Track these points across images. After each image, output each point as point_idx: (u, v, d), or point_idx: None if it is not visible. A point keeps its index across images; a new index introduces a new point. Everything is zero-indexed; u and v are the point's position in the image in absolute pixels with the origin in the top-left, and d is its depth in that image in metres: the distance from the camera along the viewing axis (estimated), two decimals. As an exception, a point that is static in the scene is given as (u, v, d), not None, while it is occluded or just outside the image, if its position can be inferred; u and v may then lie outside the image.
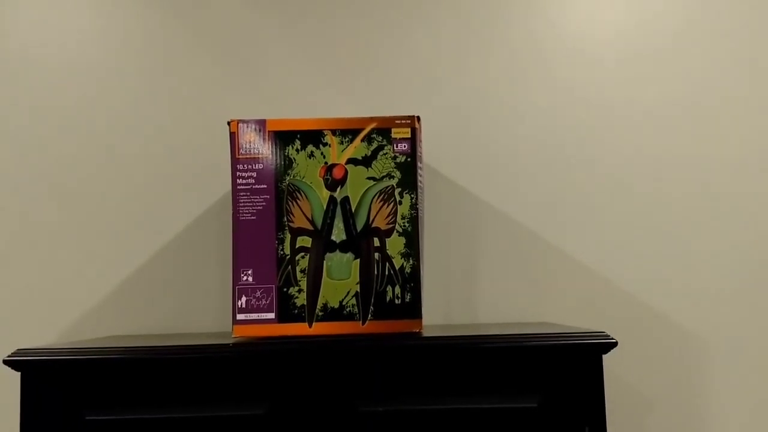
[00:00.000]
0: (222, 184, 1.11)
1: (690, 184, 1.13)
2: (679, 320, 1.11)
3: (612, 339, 0.80)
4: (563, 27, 1.16)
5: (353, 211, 0.88)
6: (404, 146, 0.89)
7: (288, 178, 0.88)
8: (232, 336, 0.86)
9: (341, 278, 0.87)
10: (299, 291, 0.86)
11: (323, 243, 0.87)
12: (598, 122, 1.14)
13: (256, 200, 0.87)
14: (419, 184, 0.90)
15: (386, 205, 0.88)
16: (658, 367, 1.10)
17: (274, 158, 0.88)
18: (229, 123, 0.89)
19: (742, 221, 1.12)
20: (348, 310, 0.86)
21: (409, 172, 0.88)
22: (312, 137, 0.88)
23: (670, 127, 1.14)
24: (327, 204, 0.88)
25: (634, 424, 1.09)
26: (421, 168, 0.92)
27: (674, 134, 1.14)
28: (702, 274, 1.11)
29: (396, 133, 0.89)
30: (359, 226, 0.88)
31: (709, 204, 1.13)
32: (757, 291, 1.11)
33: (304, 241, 0.87)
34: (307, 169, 0.88)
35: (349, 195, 0.88)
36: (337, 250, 0.87)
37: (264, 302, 0.86)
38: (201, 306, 1.11)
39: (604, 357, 0.82)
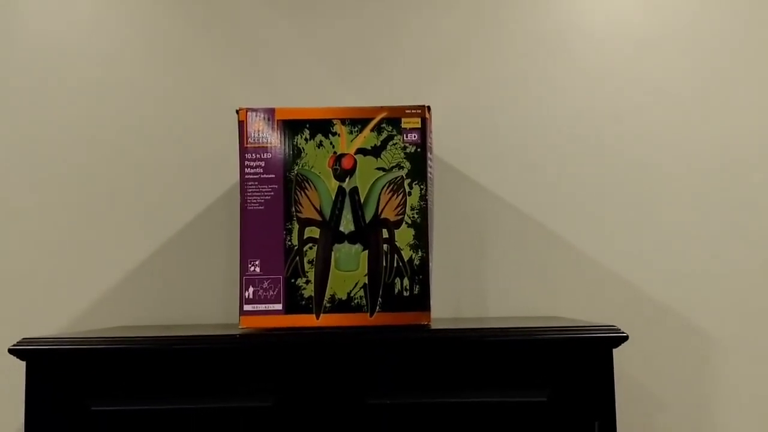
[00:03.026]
0: (230, 174, 1.10)
1: (703, 179, 1.12)
2: (691, 316, 1.10)
3: (623, 333, 0.79)
4: (578, 18, 1.14)
5: (362, 201, 0.87)
6: (414, 136, 0.88)
7: (296, 167, 0.87)
8: (239, 327, 0.85)
9: (349, 270, 0.86)
10: (307, 282, 0.85)
11: (331, 234, 0.86)
12: (610, 116, 1.13)
13: (264, 190, 0.86)
14: (429, 175, 0.89)
15: (395, 196, 0.87)
16: (669, 363, 1.09)
17: (283, 147, 0.87)
18: (237, 111, 0.88)
19: (756, 217, 1.11)
20: (356, 301, 0.85)
21: (418, 162, 0.87)
22: (321, 126, 0.87)
23: (683, 120, 1.13)
24: (336, 194, 0.87)
25: (645, 421, 1.08)
26: (431, 159, 0.91)
27: (687, 128, 1.12)
28: (714, 270, 1.10)
29: (406, 123, 0.88)
30: (368, 217, 0.87)
31: (722, 200, 1.11)
32: None
33: (313, 231, 0.86)
34: (316, 158, 0.87)
35: (358, 185, 0.87)
36: (346, 242, 0.86)
37: (271, 293, 0.85)
38: (209, 297, 1.10)
39: (615, 353, 0.81)
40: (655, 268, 1.11)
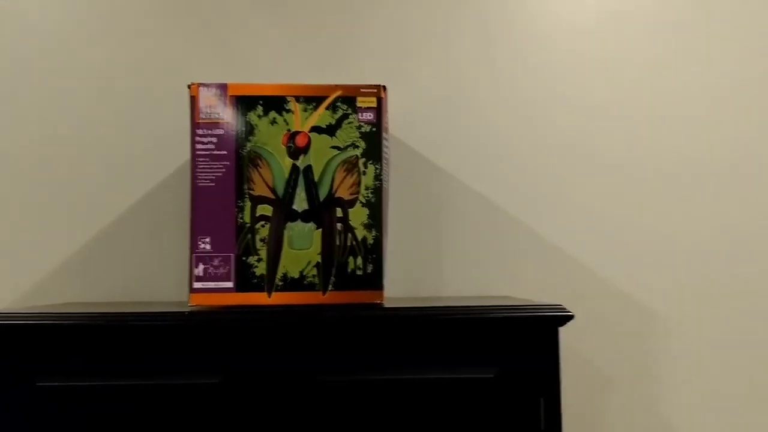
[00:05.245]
0: (183, 150, 1.08)
1: (657, 163, 1.14)
2: (638, 296, 1.13)
3: (568, 312, 0.81)
4: (541, 5, 1.14)
5: (316, 180, 0.87)
6: (369, 116, 0.87)
7: (249, 144, 0.86)
8: (189, 304, 0.85)
9: (302, 248, 0.86)
10: (259, 260, 0.85)
11: (284, 212, 0.86)
12: (567, 101, 1.14)
13: (215, 166, 0.85)
14: (384, 155, 0.89)
15: (350, 175, 0.87)
16: (619, 343, 1.12)
17: (236, 123, 0.86)
18: (189, 86, 0.87)
19: (704, 202, 1.14)
20: (308, 280, 0.85)
21: (374, 142, 0.87)
22: (275, 103, 0.86)
23: (640, 105, 1.14)
24: (289, 172, 0.86)
25: (592, 398, 1.11)
26: (386, 139, 0.91)
27: (643, 113, 1.14)
28: (660, 251, 1.13)
29: (361, 102, 0.87)
30: (322, 195, 0.87)
31: (673, 184, 1.14)
32: (715, 270, 1.13)
33: (265, 209, 0.86)
34: (270, 135, 0.86)
35: (312, 164, 0.87)
36: (299, 220, 0.86)
37: (222, 271, 0.85)
38: (160, 275, 1.09)
39: (565, 333, 0.82)
40: (609, 250, 1.13)
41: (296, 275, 0.85)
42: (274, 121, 0.86)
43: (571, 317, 0.81)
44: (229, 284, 0.85)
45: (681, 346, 1.12)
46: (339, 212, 0.86)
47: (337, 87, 0.88)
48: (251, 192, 0.86)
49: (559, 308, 0.82)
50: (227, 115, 0.86)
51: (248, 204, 0.86)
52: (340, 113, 0.87)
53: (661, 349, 1.12)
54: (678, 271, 1.13)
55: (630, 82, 1.15)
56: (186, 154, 1.07)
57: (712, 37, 1.15)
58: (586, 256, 1.13)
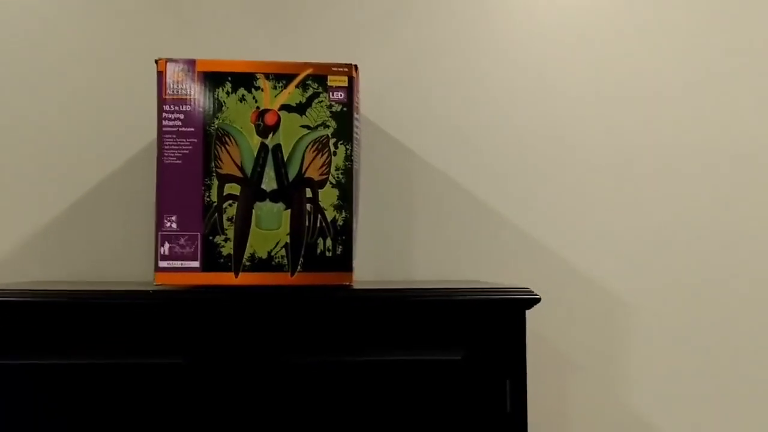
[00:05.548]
0: (150, 127, 1.05)
1: (622, 149, 1.14)
2: (607, 284, 1.14)
3: (535, 295, 0.81)
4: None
5: (285, 159, 0.85)
6: (340, 95, 0.86)
7: (217, 121, 0.84)
8: (154, 283, 0.83)
9: (271, 228, 0.85)
10: (226, 240, 0.84)
11: (253, 191, 0.85)
12: (538, 87, 1.14)
13: (182, 143, 0.84)
14: (355, 135, 0.88)
15: (320, 155, 0.86)
16: (585, 327, 1.13)
17: (204, 100, 0.84)
18: (156, 62, 0.85)
19: (669, 188, 1.15)
20: (277, 261, 0.84)
21: (344, 122, 0.86)
22: (244, 80, 0.85)
23: (607, 92, 1.14)
24: (258, 151, 0.85)
25: (557, 381, 1.12)
26: (357, 119, 0.89)
27: (611, 98, 1.15)
28: (627, 237, 1.14)
29: (332, 80, 0.86)
30: (291, 175, 0.85)
31: (639, 169, 1.14)
32: (679, 257, 1.14)
33: (233, 188, 0.84)
34: (238, 113, 0.85)
35: (281, 143, 0.85)
36: (268, 200, 0.85)
37: (188, 250, 0.83)
38: (127, 254, 1.07)
39: (532, 317, 0.83)
40: (578, 236, 1.13)
41: (264, 256, 0.84)
42: (242, 99, 0.85)
43: (538, 300, 0.81)
44: (196, 264, 0.83)
45: (643, 330, 1.14)
46: (309, 193, 0.85)
47: (307, 65, 0.86)
48: (219, 170, 0.84)
49: (527, 291, 0.82)
50: (195, 92, 0.84)
51: (216, 182, 0.84)
52: (310, 92, 0.86)
53: (624, 334, 1.14)
54: (642, 257, 1.14)
55: (604, 71, 1.15)
56: (152, 131, 1.05)
57: (710, 32, 1.16)
58: (555, 242, 1.13)
